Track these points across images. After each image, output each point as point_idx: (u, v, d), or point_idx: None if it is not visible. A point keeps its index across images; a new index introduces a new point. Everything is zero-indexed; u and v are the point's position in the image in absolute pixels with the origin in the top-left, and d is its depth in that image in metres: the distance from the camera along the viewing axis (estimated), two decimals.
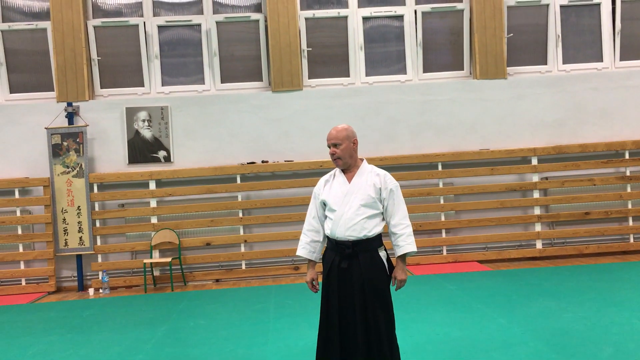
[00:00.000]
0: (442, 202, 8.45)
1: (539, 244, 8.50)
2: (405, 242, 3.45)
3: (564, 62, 8.89)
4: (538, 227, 8.50)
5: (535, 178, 8.51)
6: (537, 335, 4.83)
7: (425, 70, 8.81)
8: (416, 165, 8.46)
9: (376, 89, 8.63)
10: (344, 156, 3.49)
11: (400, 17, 8.77)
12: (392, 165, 8.27)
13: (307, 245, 3.63)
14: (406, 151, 8.52)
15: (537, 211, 8.50)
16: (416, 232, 8.57)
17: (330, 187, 3.56)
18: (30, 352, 5.25)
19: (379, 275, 3.44)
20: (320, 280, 3.58)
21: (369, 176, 3.51)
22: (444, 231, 8.48)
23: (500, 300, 6.05)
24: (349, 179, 3.52)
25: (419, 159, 8.40)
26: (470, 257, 8.43)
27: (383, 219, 3.52)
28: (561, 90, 8.71)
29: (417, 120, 8.61)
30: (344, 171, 3.57)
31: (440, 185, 8.47)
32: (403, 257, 3.49)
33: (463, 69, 8.86)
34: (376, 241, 3.47)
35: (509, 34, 8.76)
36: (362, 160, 3.59)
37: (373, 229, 3.44)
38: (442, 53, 8.90)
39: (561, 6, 8.83)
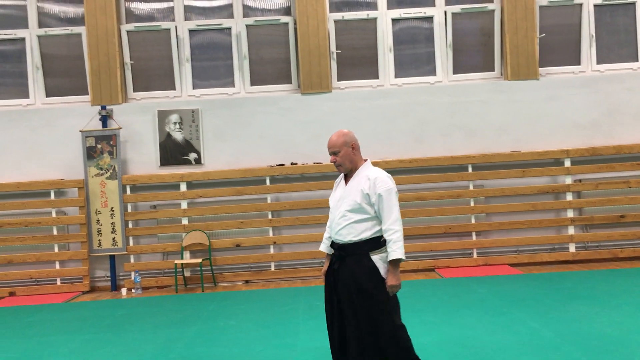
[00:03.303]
0: (472, 204, 8.37)
1: (572, 247, 8.35)
2: (391, 248, 3.44)
3: (598, 62, 8.73)
4: (571, 230, 8.35)
5: (568, 180, 8.36)
6: (570, 340, 4.74)
7: (455, 72, 8.74)
8: (446, 167, 8.39)
9: (405, 90, 8.59)
10: (344, 162, 3.61)
11: (429, 19, 8.72)
12: (421, 167, 8.22)
13: (326, 241, 3.84)
14: (436, 153, 8.46)
15: (570, 214, 8.35)
16: (446, 234, 8.51)
17: (335, 191, 3.76)
18: (64, 349, 5.37)
19: (365, 277, 3.46)
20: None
21: (360, 181, 3.57)
22: (474, 234, 8.40)
23: (532, 304, 5.96)
24: (347, 184, 3.65)
25: (448, 161, 8.33)
26: (501, 260, 8.32)
27: (379, 222, 3.52)
28: (595, 91, 8.55)
29: (447, 121, 8.54)
30: (345, 175, 3.71)
31: (471, 187, 8.38)
32: (393, 263, 3.47)
33: (494, 70, 8.76)
34: (367, 245, 3.50)
35: (541, 34, 8.63)
36: (365, 161, 3.65)
37: (361, 233, 3.49)
38: (473, 54, 8.82)
39: (595, 5, 8.67)
